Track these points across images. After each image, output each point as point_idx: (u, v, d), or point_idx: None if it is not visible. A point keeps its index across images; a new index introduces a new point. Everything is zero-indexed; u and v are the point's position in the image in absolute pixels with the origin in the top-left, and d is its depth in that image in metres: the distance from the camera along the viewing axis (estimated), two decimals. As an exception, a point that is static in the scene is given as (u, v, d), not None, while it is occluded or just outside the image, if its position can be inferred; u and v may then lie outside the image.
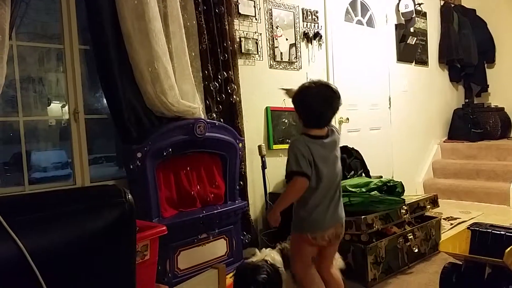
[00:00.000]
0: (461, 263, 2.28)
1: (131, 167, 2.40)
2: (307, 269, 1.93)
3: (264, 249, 2.24)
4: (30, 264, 0.76)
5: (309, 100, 1.85)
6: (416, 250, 2.86)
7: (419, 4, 4.97)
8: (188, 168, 2.68)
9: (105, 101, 2.54)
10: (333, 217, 1.89)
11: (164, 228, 2.09)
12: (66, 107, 2.53)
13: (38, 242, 0.79)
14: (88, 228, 0.82)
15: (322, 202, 1.85)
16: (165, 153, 2.47)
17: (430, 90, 5.37)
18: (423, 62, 5.26)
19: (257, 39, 3.32)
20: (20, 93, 2.36)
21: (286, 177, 1.79)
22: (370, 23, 4.51)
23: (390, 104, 4.72)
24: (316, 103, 1.83)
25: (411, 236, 2.85)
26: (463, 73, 5.77)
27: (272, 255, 2.14)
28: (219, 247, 2.65)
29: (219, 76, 2.91)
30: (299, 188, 1.79)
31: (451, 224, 3.84)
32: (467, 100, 5.89)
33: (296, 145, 1.82)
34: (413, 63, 5.10)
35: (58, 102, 2.62)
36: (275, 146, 3.42)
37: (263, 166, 3.15)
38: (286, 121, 3.52)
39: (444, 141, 5.61)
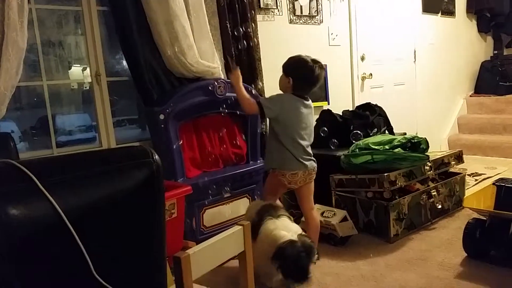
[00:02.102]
0: (485, 218, 2.27)
1: (155, 129, 2.43)
2: (272, 198, 2.40)
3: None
4: (65, 223, 0.79)
5: (304, 72, 2.25)
6: (440, 206, 2.86)
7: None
8: (210, 129, 2.70)
9: (125, 63, 2.54)
10: (302, 163, 2.27)
11: (189, 187, 2.14)
12: (87, 70, 2.55)
13: (72, 201, 0.81)
14: (119, 187, 0.84)
15: (294, 148, 2.25)
16: (186, 114, 2.48)
17: (457, 42, 5.14)
18: (450, 12, 5.01)
19: (276, -7, 3.21)
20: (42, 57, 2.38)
21: (257, 101, 2.27)
22: (394, -28, 4.28)
23: (415, 58, 4.56)
24: (310, 76, 2.25)
25: (435, 193, 2.83)
26: (493, 23, 5.48)
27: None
28: (242, 206, 2.71)
29: (238, 34, 2.85)
30: (249, 106, 2.27)
31: (476, 180, 3.79)
32: (496, 52, 5.63)
33: (282, 96, 2.30)
34: (439, 13, 4.87)
35: (79, 65, 2.63)
36: (296, 105, 3.38)
37: (284, 125, 3.13)
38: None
39: (470, 96, 5.44)
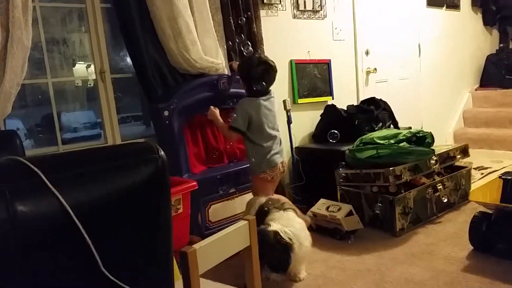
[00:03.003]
0: (491, 212, 2.26)
1: (159, 125, 2.43)
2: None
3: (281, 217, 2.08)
4: (72, 219, 0.79)
5: (249, 74, 2.33)
6: (445, 200, 2.85)
7: None
8: (215, 125, 2.70)
9: (129, 60, 2.55)
10: (278, 155, 2.40)
11: (195, 183, 2.15)
12: (91, 68, 2.56)
13: (78, 197, 0.81)
14: (125, 183, 0.84)
15: (271, 145, 2.38)
16: (191, 110, 2.48)
17: (462, 36, 5.10)
18: (454, 6, 4.97)
19: (279, -12, 3.20)
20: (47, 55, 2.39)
21: (229, 127, 2.36)
22: (398, -35, 4.25)
23: (419, 52, 4.53)
24: (254, 76, 2.32)
25: (440, 186, 2.82)
26: (498, 16, 5.43)
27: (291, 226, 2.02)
28: (247, 201, 2.71)
29: (242, 30, 2.84)
30: (230, 136, 2.41)
31: (482, 173, 3.77)
32: (501, 45, 5.58)
33: (243, 104, 2.35)
34: (444, 7, 4.83)
35: (83, 62, 2.64)
36: (300, 100, 3.38)
37: (289, 121, 3.14)
38: (311, 74, 3.45)
39: (475, 89, 5.40)
